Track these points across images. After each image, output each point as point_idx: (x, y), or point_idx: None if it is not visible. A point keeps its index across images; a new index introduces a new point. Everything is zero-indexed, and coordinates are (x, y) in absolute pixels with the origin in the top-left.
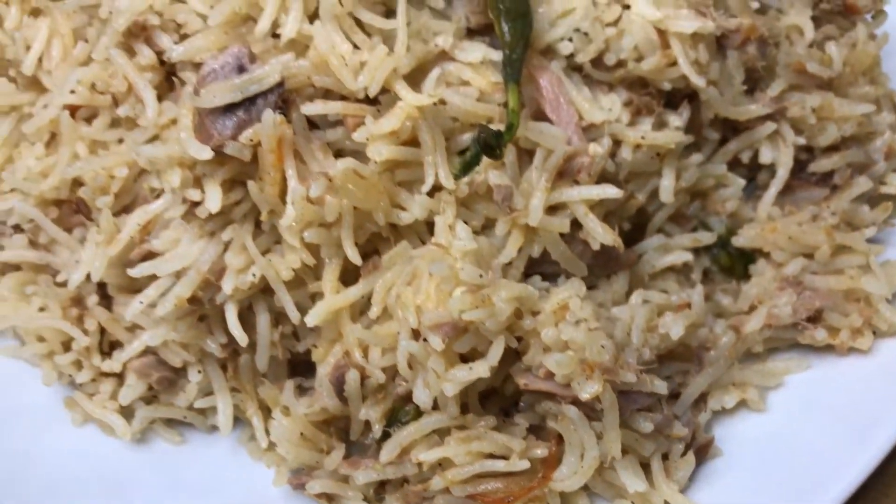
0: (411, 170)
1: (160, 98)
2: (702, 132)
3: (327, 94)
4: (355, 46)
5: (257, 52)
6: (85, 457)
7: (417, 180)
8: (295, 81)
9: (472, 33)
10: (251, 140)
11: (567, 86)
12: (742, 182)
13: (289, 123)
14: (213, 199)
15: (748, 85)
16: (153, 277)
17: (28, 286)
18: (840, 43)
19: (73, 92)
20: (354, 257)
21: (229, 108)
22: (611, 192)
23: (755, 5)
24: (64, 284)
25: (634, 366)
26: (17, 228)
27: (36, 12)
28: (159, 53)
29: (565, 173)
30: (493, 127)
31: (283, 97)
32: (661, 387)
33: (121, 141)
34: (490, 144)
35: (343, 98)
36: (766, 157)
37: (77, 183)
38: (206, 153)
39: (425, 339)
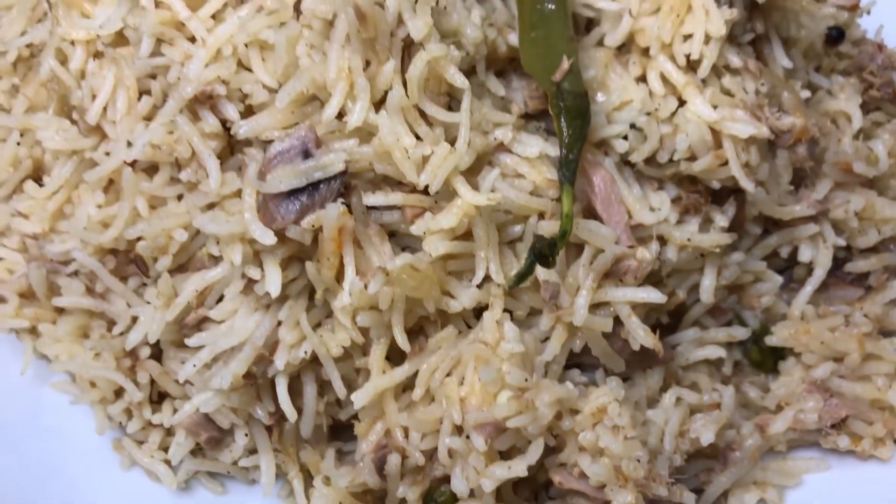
0: (463, 261)
1: (221, 159)
2: (744, 226)
3: (386, 179)
4: (417, 137)
5: (321, 132)
6: (130, 498)
7: (468, 270)
8: (357, 166)
9: (528, 117)
10: (313, 225)
11: (619, 184)
12: (779, 280)
13: (350, 212)
14: (274, 283)
15: (794, 181)
16: None
17: (84, 331)
18: (885, 136)
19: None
20: (404, 344)
21: (293, 193)
22: (655, 296)
23: (805, 93)
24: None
25: (666, 478)
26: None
27: (99, 55)
28: (223, 121)
29: (612, 273)
30: (545, 220)
31: (345, 183)
32: (689, 499)
33: (180, 197)
34: (544, 254)
35: (400, 183)
36: (805, 255)
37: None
38: (269, 238)
39: (468, 436)
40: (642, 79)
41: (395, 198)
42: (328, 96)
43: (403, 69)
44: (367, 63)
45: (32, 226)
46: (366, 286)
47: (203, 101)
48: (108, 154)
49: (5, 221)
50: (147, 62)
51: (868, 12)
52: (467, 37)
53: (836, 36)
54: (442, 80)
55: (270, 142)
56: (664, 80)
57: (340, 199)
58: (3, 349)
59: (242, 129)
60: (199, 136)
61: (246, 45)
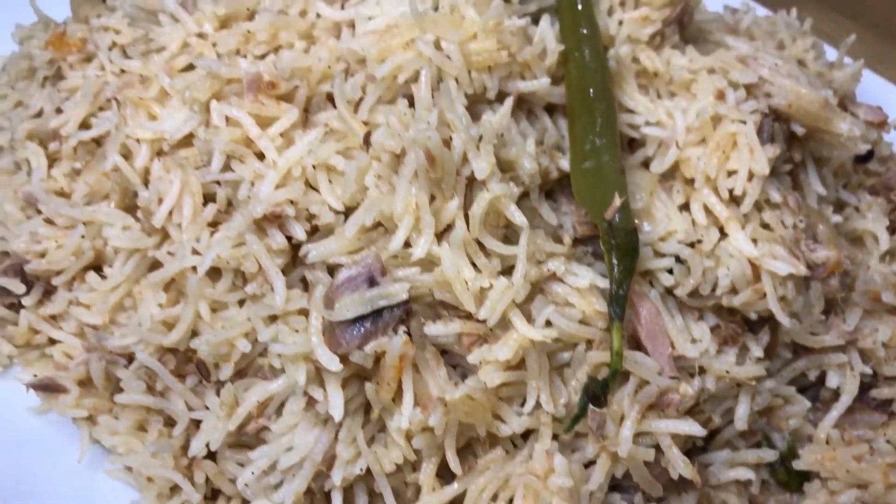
0: (514, 387)
1: (285, 272)
2: (776, 351)
3: (444, 304)
4: (476, 268)
5: (385, 257)
6: None
7: (518, 395)
8: (418, 292)
9: (577, 241)
10: (375, 350)
11: (663, 315)
12: (807, 404)
13: (411, 341)
14: (337, 407)
15: (824, 309)
16: (261, 440)
17: (141, 424)
18: None
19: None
20: (455, 467)
21: (357, 319)
22: (697, 430)
23: (836, 218)
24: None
25: None
26: (131, 361)
27: (163, 153)
28: (289, 238)
29: (655, 405)
30: (594, 350)
31: (407, 310)
32: None
33: (242, 302)
34: (597, 395)
35: (456, 307)
36: (832, 382)
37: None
38: (336, 366)
39: None
40: (685, 206)
41: (454, 327)
42: (394, 226)
43: (466, 204)
44: (432, 197)
45: (93, 317)
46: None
47: (271, 220)
48: (171, 254)
49: (64, 306)
50: (217, 176)
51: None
52: (524, 168)
53: (865, 155)
54: (501, 215)
55: (337, 266)
56: (706, 210)
57: (403, 327)
58: (59, 432)
59: (311, 254)
60: (266, 255)
61: (314, 167)
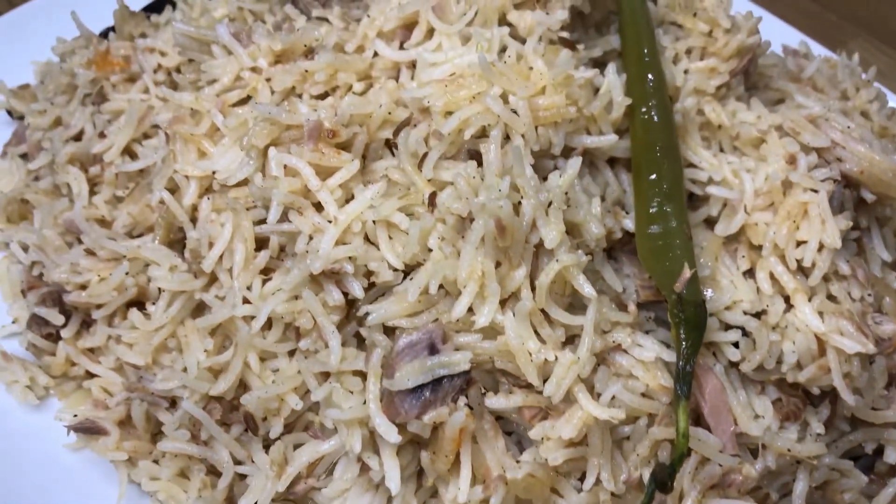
0: (574, 462)
1: (339, 326)
2: (834, 424)
3: (504, 373)
4: (539, 337)
5: (445, 320)
6: None
7: (577, 469)
8: (479, 359)
9: (639, 306)
10: (433, 420)
11: (727, 390)
12: (864, 479)
13: (472, 413)
14: (394, 480)
15: (886, 385)
16: (309, 500)
17: (183, 472)
18: None
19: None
20: None
21: (417, 387)
22: None
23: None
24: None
25: None
26: (173, 404)
27: (210, 189)
28: (346, 294)
29: (717, 484)
30: (656, 426)
31: (467, 379)
32: None
33: (292, 353)
34: (664, 481)
35: (515, 376)
36: (891, 457)
37: (242, 384)
38: (394, 437)
39: None
40: (749, 271)
41: (516, 400)
42: (457, 291)
43: (533, 272)
44: (498, 262)
45: (135, 357)
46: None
47: (329, 276)
48: (219, 298)
49: (104, 341)
50: (274, 228)
51: None
52: (591, 234)
53: None
54: (567, 283)
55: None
56: (772, 277)
57: (463, 398)
58: (94, 470)
59: (371, 317)
60: (322, 312)
61: (374, 222)
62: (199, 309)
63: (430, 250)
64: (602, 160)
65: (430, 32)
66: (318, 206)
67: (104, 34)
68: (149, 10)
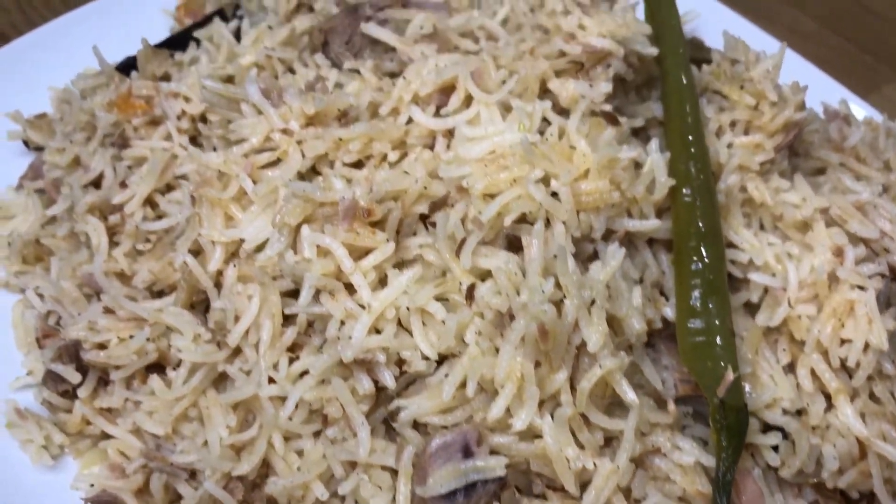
0: None
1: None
2: None
3: (539, 475)
4: (578, 442)
5: (477, 418)
6: None
7: None
8: (513, 461)
9: (676, 401)
10: None
11: (766, 496)
12: None
13: None
14: None
15: None
16: None
17: None
18: None
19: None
20: None
21: (449, 493)
22: None
23: None
24: None
25: None
26: (193, 475)
27: (234, 254)
28: (376, 382)
29: None
30: None
31: (501, 484)
32: None
33: (317, 434)
34: None
35: (550, 479)
36: None
37: (265, 462)
38: None
39: None
40: (789, 365)
41: None
42: (494, 390)
43: (573, 375)
44: (537, 363)
45: (155, 426)
46: None
47: (360, 364)
48: (244, 372)
49: (121, 403)
50: (305, 310)
51: None
52: (632, 329)
53: None
54: (608, 386)
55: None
56: (813, 374)
57: (495, 498)
58: None
59: (403, 414)
60: (352, 401)
61: (408, 308)
62: (222, 377)
63: (465, 342)
64: (642, 241)
65: (469, 99)
66: (350, 286)
67: (124, 67)
68: (171, 45)
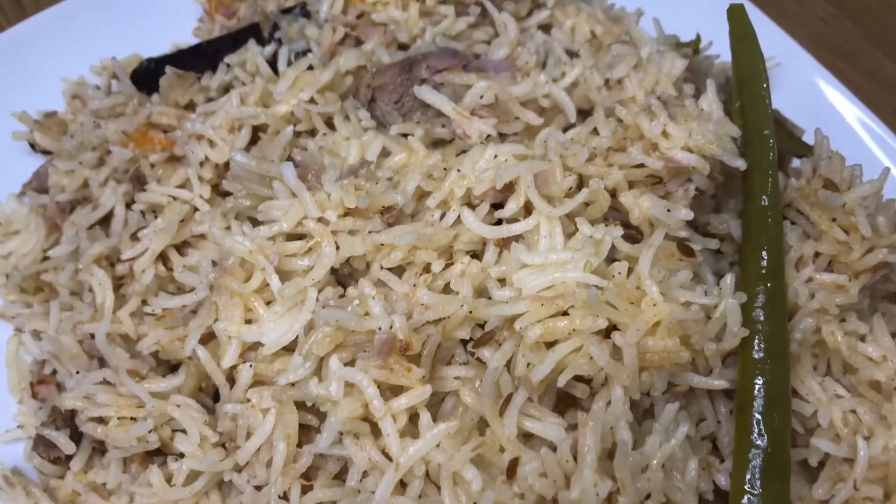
0: None
1: None
2: None
3: None
4: None
5: None
6: None
7: None
8: None
9: None
10: None
11: None
12: None
13: None
14: None
15: None
16: None
17: None
18: None
19: None
20: None
21: None
22: None
23: None
24: None
25: None
26: None
27: (252, 348)
28: None
29: None
30: None
31: None
32: None
33: None
34: None
35: None
36: None
37: None
38: None
39: None
40: None
41: None
42: None
43: None
44: None
45: None
46: None
47: None
48: (253, 486)
49: (116, 485)
50: (325, 451)
51: None
52: None
53: None
54: None
55: None
56: None
57: None
58: None
59: None
60: None
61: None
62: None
63: None
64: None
65: (529, 206)
66: (375, 427)
67: (145, 73)
68: (198, 55)
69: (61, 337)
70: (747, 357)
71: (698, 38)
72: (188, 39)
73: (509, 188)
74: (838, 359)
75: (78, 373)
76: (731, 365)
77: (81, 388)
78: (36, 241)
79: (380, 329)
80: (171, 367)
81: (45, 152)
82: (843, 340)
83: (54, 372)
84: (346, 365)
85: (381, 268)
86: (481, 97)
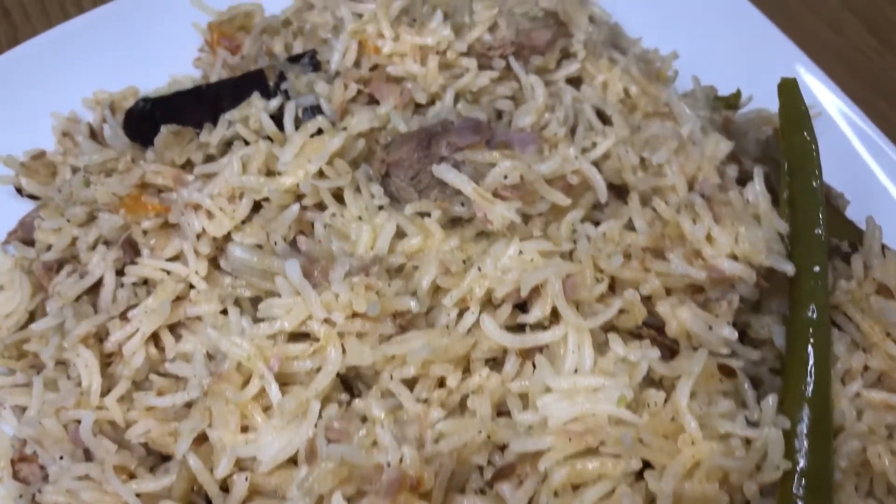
0: None
1: None
2: None
3: None
4: None
5: None
6: None
7: None
8: None
9: None
10: None
11: None
12: None
13: None
14: None
15: None
16: None
17: None
18: None
19: None
20: None
21: None
22: None
23: None
24: None
25: None
26: None
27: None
28: None
29: None
30: None
31: None
32: None
33: None
34: None
35: None
36: None
37: None
38: None
39: None
40: None
41: None
42: None
43: None
44: None
45: None
46: None
47: None
48: None
49: None
50: None
51: None
52: None
53: None
54: None
55: None
56: None
57: None
58: None
59: None
60: None
61: None
62: None
63: None
64: None
65: (555, 310)
66: None
67: (140, 117)
68: (196, 100)
69: (44, 420)
70: (787, 495)
71: (738, 94)
72: (188, 70)
73: (535, 291)
74: (883, 481)
75: (62, 458)
76: (770, 494)
77: (64, 482)
78: (20, 300)
79: (388, 465)
80: (163, 457)
81: (33, 197)
82: (889, 464)
83: (35, 453)
84: (349, 500)
85: (392, 378)
86: (505, 177)
